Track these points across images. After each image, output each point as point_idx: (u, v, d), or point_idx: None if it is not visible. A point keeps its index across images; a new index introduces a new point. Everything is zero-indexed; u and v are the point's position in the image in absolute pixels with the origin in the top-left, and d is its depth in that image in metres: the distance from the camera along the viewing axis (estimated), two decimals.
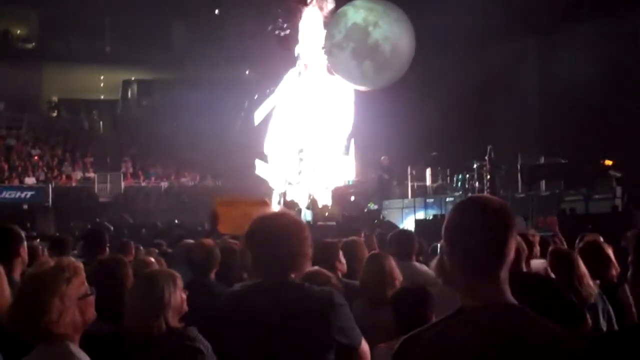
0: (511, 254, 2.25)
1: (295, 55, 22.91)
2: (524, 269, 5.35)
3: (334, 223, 17.78)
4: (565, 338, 2.21)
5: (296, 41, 22.81)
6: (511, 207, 2.37)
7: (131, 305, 3.78)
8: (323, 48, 22.14)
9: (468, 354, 2.16)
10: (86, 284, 2.97)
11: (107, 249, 5.76)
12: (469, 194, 18.01)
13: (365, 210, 19.49)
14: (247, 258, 3.46)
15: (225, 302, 3.41)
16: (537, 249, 6.54)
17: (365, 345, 3.30)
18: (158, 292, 3.72)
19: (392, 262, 5.12)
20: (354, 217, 18.26)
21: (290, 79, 23.02)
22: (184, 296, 3.85)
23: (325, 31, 22.02)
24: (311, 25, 22.70)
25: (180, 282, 3.88)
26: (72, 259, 3.30)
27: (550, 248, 5.87)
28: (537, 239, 6.77)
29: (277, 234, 3.22)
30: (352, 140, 21.88)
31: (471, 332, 2.18)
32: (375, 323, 4.31)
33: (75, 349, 2.87)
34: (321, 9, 22.52)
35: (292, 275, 3.27)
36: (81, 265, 3.01)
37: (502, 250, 2.24)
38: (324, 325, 3.10)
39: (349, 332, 3.18)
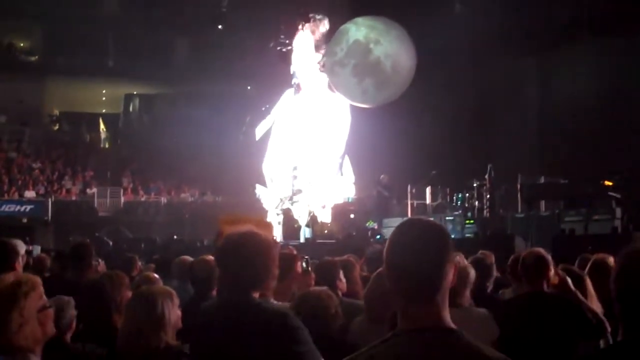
0: (448, 278, 2.23)
1: (291, 73, 23.00)
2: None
3: (333, 240, 17.78)
4: None
5: (292, 60, 22.92)
6: (448, 232, 2.37)
7: (130, 322, 3.79)
8: (322, 65, 22.20)
9: None
10: (44, 297, 3.04)
11: (93, 264, 5.72)
12: (469, 213, 18.06)
13: (369, 233, 19.41)
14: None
15: (195, 320, 3.49)
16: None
17: None
18: (157, 310, 3.75)
19: None
20: (352, 235, 18.24)
21: (287, 97, 23.11)
22: (179, 313, 3.87)
23: (326, 48, 22.09)
24: (306, 45, 22.80)
25: (176, 299, 3.91)
26: (30, 274, 3.36)
27: (560, 267, 5.84)
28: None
29: (242, 253, 3.29)
30: (346, 158, 21.90)
31: (398, 355, 2.17)
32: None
33: None
34: (316, 27, 22.61)
35: (255, 294, 3.30)
36: (39, 280, 3.08)
37: (437, 274, 2.21)
38: (275, 348, 3.11)
39: (303, 356, 3.16)
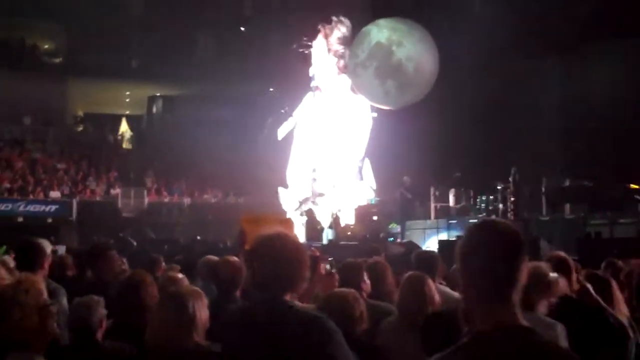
0: (523, 278, 2.27)
1: (311, 75, 23.03)
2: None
3: (356, 242, 17.75)
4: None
5: (313, 62, 22.96)
6: (523, 232, 2.39)
7: (159, 322, 3.81)
8: (345, 67, 22.19)
9: None
10: (45, 296, 3.13)
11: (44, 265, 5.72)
12: (492, 216, 17.95)
13: (381, 235, 19.35)
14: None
15: (226, 319, 3.49)
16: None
17: None
18: (188, 310, 3.77)
19: (432, 285, 5.06)
20: (365, 237, 18.22)
21: (308, 99, 23.14)
22: (208, 313, 3.88)
23: (348, 50, 22.08)
24: (327, 47, 22.81)
25: (205, 299, 3.92)
26: (29, 274, 3.47)
27: (584, 272, 5.78)
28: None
29: (278, 254, 3.26)
30: (366, 161, 21.86)
31: (481, 356, 2.19)
32: (406, 345, 4.29)
33: (39, 358, 3.04)
34: (338, 29, 22.61)
35: (288, 296, 3.29)
36: (39, 279, 3.26)
37: (514, 274, 2.25)
38: (311, 352, 3.10)
39: (338, 358, 3.15)
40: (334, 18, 22.65)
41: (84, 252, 7.66)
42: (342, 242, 17.94)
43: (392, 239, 18.56)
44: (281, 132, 23.41)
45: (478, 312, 2.27)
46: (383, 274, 6.14)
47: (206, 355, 3.68)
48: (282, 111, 24.32)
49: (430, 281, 5.06)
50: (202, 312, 3.84)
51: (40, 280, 3.20)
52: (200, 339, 3.77)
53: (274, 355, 3.13)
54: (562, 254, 5.71)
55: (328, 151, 21.92)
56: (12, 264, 6.03)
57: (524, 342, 2.19)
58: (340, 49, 22.47)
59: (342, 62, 22.39)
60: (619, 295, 5.35)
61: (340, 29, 22.58)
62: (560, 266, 5.31)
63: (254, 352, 3.17)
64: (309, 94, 23.11)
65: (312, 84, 23.00)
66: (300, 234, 18.78)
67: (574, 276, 5.46)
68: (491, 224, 2.38)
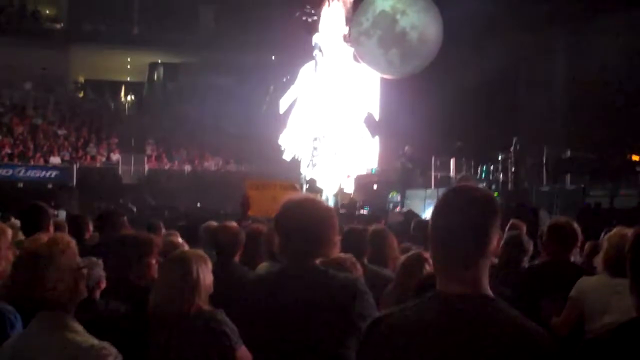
0: (492, 244, 2.23)
1: (313, 43, 22.95)
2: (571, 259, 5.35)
3: (366, 210, 17.82)
4: (537, 335, 2.15)
5: (317, 30, 22.88)
6: (495, 198, 2.37)
7: (164, 285, 3.82)
8: (348, 36, 22.12)
9: (428, 339, 2.14)
10: (78, 258, 3.08)
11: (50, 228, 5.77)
12: (493, 186, 17.96)
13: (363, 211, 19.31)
14: (272, 242, 3.48)
15: (252, 288, 3.46)
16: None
17: None
18: (192, 274, 3.77)
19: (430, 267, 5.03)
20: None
21: (309, 68, 23.08)
22: (212, 277, 3.88)
23: (352, 18, 21.99)
24: (331, 15, 22.73)
25: (210, 264, 3.92)
26: (65, 234, 3.42)
27: (588, 244, 5.78)
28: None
29: (308, 219, 3.24)
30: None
31: (436, 318, 2.17)
32: None
33: (71, 319, 2.98)
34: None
35: (317, 261, 3.28)
36: (73, 240, 3.14)
37: (482, 238, 2.21)
38: (347, 313, 3.12)
39: (370, 319, 3.17)
40: None
41: (85, 217, 7.66)
42: (342, 211, 17.96)
43: (367, 207, 18.65)
44: (283, 104, 23.39)
45: (442, 274, 2.24)
46: (385, 240, 6.14)
47: (208, 320, 3.69)
48: (284, 80, 24.28)
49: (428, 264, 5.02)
50: (207, 276, 3.84)
51: (73, 241, 3.14)
52: (204, 303, 3.77)
53: (309, 318, 3.14)
54: (566, 219, 5.71)
55: (332, 119, 21.91)
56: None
57: (480, 311, 2.15)
58: (346, 17, 22.42)
59: (346, 30, 22.34)
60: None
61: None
62: (565, 232, 5.35)
63: (288, 317, 3.16)
64: (311, 62, 23.05)
65: (317, 52, 22.95)
66: None
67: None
68: (465, 188, 2.35)
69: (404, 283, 4.66)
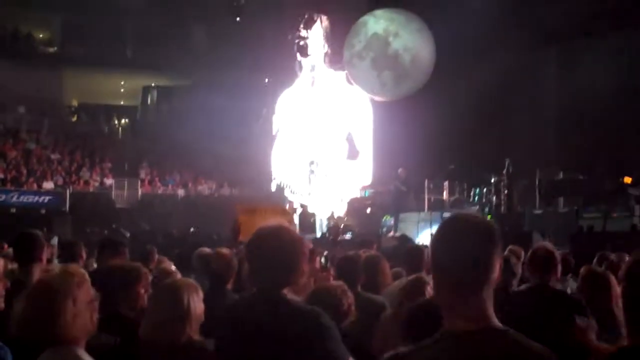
0: (495, 273, 2.24)
1: (304, 66, 23.05)
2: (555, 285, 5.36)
3: (349, 235, 17.77)
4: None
5: (308, 53, 22.98)
6: (498, 226, 2.38)
7: (154, 314, 3.78)
8: (328, 58, 22.23)
9: None
10: (92, 289, 3.04)
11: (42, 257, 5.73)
12: (486, 209, 17.97)
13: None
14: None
15: (225, 314, 3.45)
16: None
17: None
18: (183, 303, 3.74)
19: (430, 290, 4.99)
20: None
21: (301, 89, 23.16)
22: (203, 306, 3.86)
23: (345, 41, 22.07)
24: (322, 37, 22.83)
25: (201, 293, 3.90)
26: (76, 266, 3.37)
27: (584, 269, 5.78)
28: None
29: (275, 247, 3.22)
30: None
31: (455, 358, 2.17)
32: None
33: (83, 353, 2.95)
34: (334, 21, 22.66)
35: (285, 290, 3.26)
36: (86, 273, 3.12)
37: (486, 267, 2.22)
38: (310, 349, 3.09)
39: (333, 355, 3.14)
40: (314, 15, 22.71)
41: (80, 244, 7.64)
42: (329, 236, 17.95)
43: (350, 233, 18.64)
44: (276, 127, 23.47)
45: (449, 308, 2.24)
46: (378, 266, 6.15)
47: (198, 350, 3.66)
48: (279, 100, 24.34)
49: (429, 287, 4.98)
50: (197, 305, 3.81)
51: (86, 273, 3.11)
52: (194, 333, 3.75)
53: (270, 350, 3.10)
54: (548, 245, 5.75)
55: (322, 142, 21.93)
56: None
57: (496, 347, 2.16)
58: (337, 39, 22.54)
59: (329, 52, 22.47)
60: (618, 292, 5.33)
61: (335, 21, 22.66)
62: (546, 257, 5.38)
63: (250, 347, 3.14)
64: (303, 84, 23.12)
65: (312, 74, 23.03)
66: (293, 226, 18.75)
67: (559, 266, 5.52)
68: (465, 216, 2.37)
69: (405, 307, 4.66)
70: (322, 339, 3.11)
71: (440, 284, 2.27)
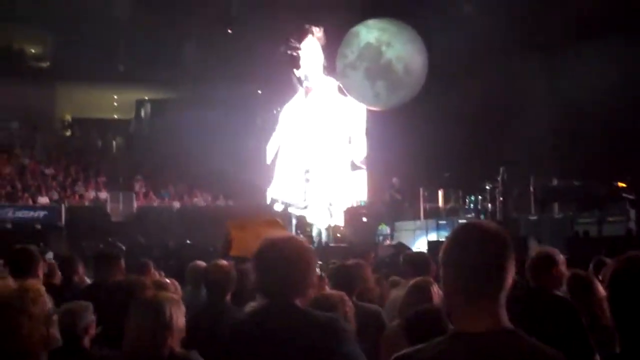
0: (510, 279, 2.28)
1: (298, 77, 23.10)
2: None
3: (345, 244, 17.78)
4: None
5: (300, 64, 23.04)
6: (508, 232, 2.40)
7: (136, 327, 3.77)
8: (325, 69, 22.29)
9: None
10: (49, 304, 3.05)
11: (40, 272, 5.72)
12: (481, 216, 18.00)
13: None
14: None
15: (235, 328, 3.42)
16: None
17: None
18: (165, 316, 3.74)
19: (437, 291, 4.91)
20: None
21: (294, 101, 23.21)
22: (184, 320, 3.87)
23: (338, 51, 22.13)
24: (315, 48, 22.89)
25: (182, 307, 3.91)
26: (33, 281, 3.38)
27: (568, 272, 5.81)
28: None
29: (286, 258, 3.21)
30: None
31: (467, 358, 2.19)
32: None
33: None
34: (327, 32, 22.72)
35: (297, 301, 3.26)
36: (43, 288, 3.10)
37: (501, 273, 2.26)
38: (328, 353, 3.09)
39: (352, 356, 3.17)
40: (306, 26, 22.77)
41: (76, 258, 7.66)
42: (331, 244, 17.95)
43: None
44: (270, 152, 23.51)
45: (463, 313, 2.26)
46: (365, 274, 6.17)
47: None
48: (275, 112, 24.38)
49: (435, 287, 4.97)
50: (179, 318, 3.80)
51: (43, 288, 3.10)
52: (176, 345, 3.74)
53: (293, 359, 3.10)
54: (549, 249, 5.75)
55: (317, 153, 21.97)
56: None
57: (507, 346, 2.19)
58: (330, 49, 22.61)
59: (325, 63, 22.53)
60: (603, 294, 5.34)
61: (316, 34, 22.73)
62: (544, 261, 5.38)
63: (274, 358, 3.13)
64: (296, 96, 23.18)
65: (305, 84, 23.09)
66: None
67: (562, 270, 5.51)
68: (479, 224, 2.41)
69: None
70: (341, 344, 3.13)
71: (454, 290, 2.30)
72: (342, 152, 22.38)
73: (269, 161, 23.51)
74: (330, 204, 21.12)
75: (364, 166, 22.53)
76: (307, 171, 21.97)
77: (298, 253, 3.26)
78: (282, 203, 22.40)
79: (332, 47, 22.92)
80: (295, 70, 23.33)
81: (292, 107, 23.44)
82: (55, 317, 3.08)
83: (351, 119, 22.52)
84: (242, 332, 3.29)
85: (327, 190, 21.69)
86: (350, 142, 22.30)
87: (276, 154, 23.40)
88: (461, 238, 2.33)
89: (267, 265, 3.26)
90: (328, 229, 20.19)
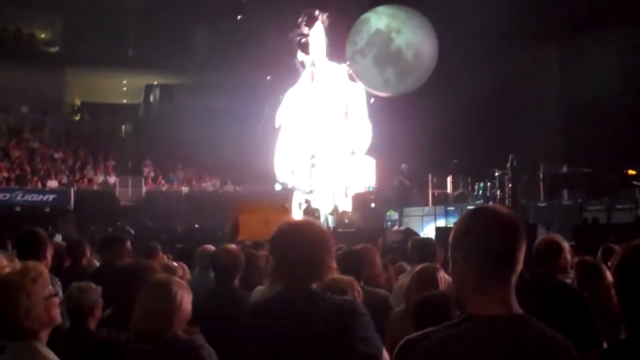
0: (521, 263, 2.27)
1: (301, 61, 23.07)
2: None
3: (353, 229, 17.77)
4: (568, 346, 2.22)
5: (309, 50, 23.00)
6: (520, 217, 2.39)
7: (145, 308, 3.77)
8: (331, 55, 22.26)
9: None
10: (50, 286, 3.11)
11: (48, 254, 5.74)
12: (490, 203, 17.95)
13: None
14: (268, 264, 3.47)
15: (249, 313, 3.41)
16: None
17: (386, 354, 3.26)
18: (176, 298, 3.75)
19: (443, 277, 4.90)
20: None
21: (302, 86, 23.16)
22: (191, 307, 3.86)
23: (348, 37, 22.08)
24: (324, 34, 22.85)
25: (191, 293, 3.90)
26: (36, 262, 3.42)
27: (576, 259, 5.79)
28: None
29: (303, 242, 3.20)
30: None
31: (476, 341, 2.18)
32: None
33: (43, 347, 3.01)
34: (336, 17, 22.65)
35: (314, 285, 3.26)
36: (44, 268, 3.17)
37: (514, 259, 2.25)
38: (345, 336, 3.09)
39: (370, 341, 3.16)
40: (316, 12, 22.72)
41: (84, 241, 7.68)
42: (340, 230, 17.94)
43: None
44: (279, 119, 23.46)
45: (475, 297, 2.25)
46: (373, 259, 6.17)
47: (185, 347, 3.67)
48: (282, 97, 24.36)
49: (441, 273, 4.94)
50: (187, 303, 3.80)
51: (45, 269, 3.15)
52: (181, 329, 3.73)
53: (312, 342, 3.09)
54: (555, 236, 5.71)
55: (325, 138, 21.95)
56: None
57: (520, 330, 2.19)
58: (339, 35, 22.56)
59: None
60: (610, 282, 5.33)
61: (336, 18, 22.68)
62: (550, 248, 5.34)
63: (288, 343, 3.12)
64: (304, 81, 23.14)
65: (312, 69, 23.05)
66: None
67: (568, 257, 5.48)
68: (491, 208, 2.39)
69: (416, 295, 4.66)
70: (359, 328, 3.12)
71: (465, 275, 2.28)
72: (347, 137, 22.34)
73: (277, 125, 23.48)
74: (336, 190, 21.13)
75: (364, 154, 22.46)
76: (312, 156, 21.96)
77: (315, 237, 3.25)
78: (287, 187, 22.39)
79: (341, 34, 22.86)
80: (303, 55, 23.27)
81: (296, 91, 23.37)
82: (58, 298, 3.12)
83: (354, 105, 22.47)
84: (259, 317, 3.28)
85: (332, 176, 21.67)
86: (352, 128, 22.23)
87: (277, 137, 23.36)
88: (472, 223, 2.31)
89: (284, 249, 3.25)
90: (334, 213, 20.18)
